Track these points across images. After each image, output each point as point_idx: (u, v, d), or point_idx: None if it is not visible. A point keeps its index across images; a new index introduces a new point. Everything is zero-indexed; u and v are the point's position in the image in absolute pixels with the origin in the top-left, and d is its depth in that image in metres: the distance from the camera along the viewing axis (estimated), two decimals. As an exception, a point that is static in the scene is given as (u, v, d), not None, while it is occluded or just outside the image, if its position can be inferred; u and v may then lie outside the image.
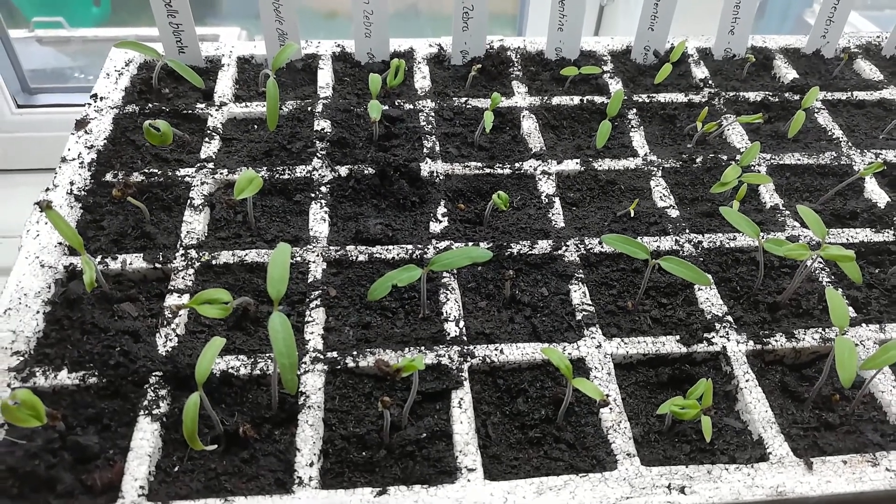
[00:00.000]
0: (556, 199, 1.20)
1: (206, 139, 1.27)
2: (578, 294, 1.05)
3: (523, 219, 1.18)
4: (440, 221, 1.15)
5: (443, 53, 1.53)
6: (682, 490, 0.84)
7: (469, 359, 0.96)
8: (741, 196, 1.15)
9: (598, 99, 1.42)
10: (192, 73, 1.28)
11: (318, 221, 1.14)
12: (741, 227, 1.02)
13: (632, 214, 1.17)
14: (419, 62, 1.50)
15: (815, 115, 1.42)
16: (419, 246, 1.11)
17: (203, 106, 1.35)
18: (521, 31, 2.36)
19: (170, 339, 0.97)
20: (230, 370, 0.94)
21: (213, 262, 1.07)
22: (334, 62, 1.49)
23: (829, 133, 1.38)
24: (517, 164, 1.26)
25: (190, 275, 1.05)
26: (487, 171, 1.25)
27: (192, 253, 1.07)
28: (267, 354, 0.96)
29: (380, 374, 0.84)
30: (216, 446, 0.85)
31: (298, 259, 1.08)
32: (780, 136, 1.37)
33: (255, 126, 1.34)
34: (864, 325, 1.04)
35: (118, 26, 3.34)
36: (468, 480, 0.84)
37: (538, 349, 0.98)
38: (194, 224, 1.12)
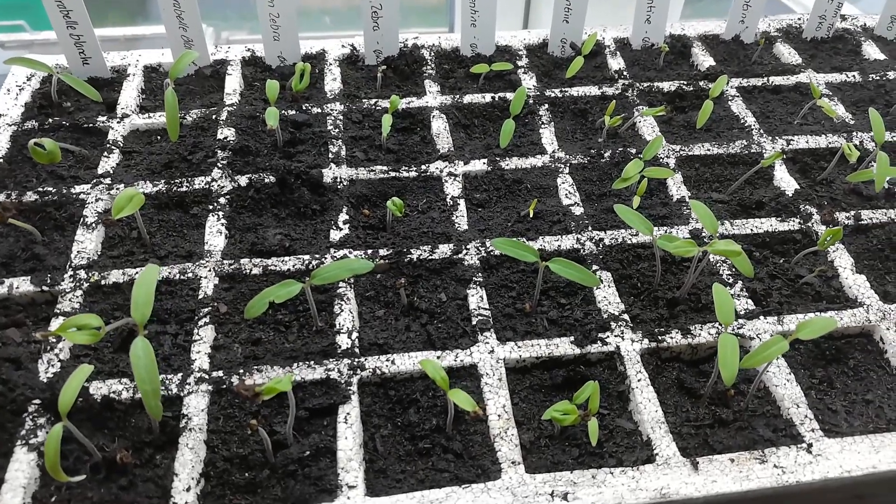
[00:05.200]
0: (462, 201, 1.19)
1: (105, 153, 1.24)
2: (475, 298, 1.04)
3: (427, 222, 1.16)
4: (341, 229, 1.13)
5: (356, 54, 1.50)
6: (564, 497, 0.83)
7: (359, 371, 0.95)
8: (642, 191, 1.14)
9: (510, 96, 1.40)
10: (86, 87, 1.25)
11: (214, 234, 1.11)
12: (634, 224, 1.01)
13: (531, 215, 1.16)
14: (331, 63, 1.47)
15: (729, 102, 1.41)
16: (317, 256, 1.09)
17: (105, 119, 1.32)
18: (451, 25, 2.33)
19: (52, 365, 0.94)
20: (112, 395, 0.92)
21: (103, 282, 1.04)
22: (244, 67, 1.47)
23: (742, 121, 1.37)
24: (423, 167, 1.24)
25: (78, 296, 1.02)
26: (393, 174, 1.23)
27: (82, 273, 1.05)
28: (151, 376, 0.93)
29: (241, 398, 0.82)
30: (85, 476, 0.83)
31: (190, 275, 1.05)
32: (692, 126, 1.36)
33: (159, 137, 1.31)
34: (762, 317, 1.03)
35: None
36: (348, 498, 0.83)
37: (431, 357, 0.96)
38: (86, 243, 1.10)
